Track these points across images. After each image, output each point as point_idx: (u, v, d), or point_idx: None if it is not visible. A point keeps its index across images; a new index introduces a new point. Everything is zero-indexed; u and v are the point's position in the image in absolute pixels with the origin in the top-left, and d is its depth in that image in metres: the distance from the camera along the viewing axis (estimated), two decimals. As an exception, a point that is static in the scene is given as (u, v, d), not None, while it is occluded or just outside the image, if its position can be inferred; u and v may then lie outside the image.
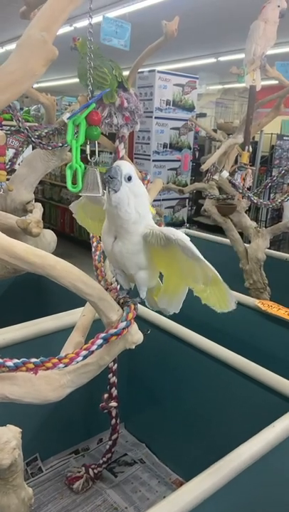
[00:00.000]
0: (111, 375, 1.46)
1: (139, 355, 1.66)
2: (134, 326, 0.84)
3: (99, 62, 1.07)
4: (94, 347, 0.79)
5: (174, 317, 1.51)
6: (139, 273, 0.82)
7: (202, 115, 7.69)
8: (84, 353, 0.79)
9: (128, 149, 4.99)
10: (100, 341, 0.79)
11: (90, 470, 1.55)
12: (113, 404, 1.46)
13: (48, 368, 0.80)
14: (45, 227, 1.72)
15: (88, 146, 0.71)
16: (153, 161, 4.62)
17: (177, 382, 1.57)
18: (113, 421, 1.53)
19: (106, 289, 0.86)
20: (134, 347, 0.86)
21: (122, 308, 0.84)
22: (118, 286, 0.91)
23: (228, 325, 1.83)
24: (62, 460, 1.66)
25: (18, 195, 1.80)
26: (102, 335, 0.80)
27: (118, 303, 0.84)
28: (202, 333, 1.45)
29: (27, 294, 2.14)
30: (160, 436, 1.72)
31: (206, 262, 0.73)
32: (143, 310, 1.62)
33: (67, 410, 1.53)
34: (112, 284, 0.92)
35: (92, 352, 0.80)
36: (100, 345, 0.80)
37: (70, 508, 1.45)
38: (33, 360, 0.80)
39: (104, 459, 1.57)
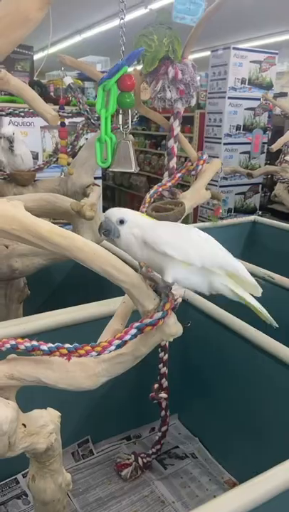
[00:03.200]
0: (161, 365, 1.40)
1: (194, 346, 1.58)
2: (172, 317, 0.77)
3: (152, 29, 0.98)
4: (127, 337, 0.74)
5: (228, 307, 1.41)
6: None
7: (282, 95, 7.17)
8: (117, 342, 0.74)
9: (198, 133, 4.81)
10: (133, 331, 0.74)
11: (140, 459, 1.52)
12: (163, 395, 1.41)
13: (80, 355, 0.77)
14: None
15: (120, 116, 0.64)
16: (224, 144, 4.40)
17: (233, 377, 1.47)
18: (163, 412, 1.48)
19: (146, 277, 0.80)
20: (172, 340, 0.78)
21: (160, 297, 0.77)
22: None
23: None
24: (113, 445, 1.66)
25: (78, 178, 1.80)
26: (136, 324, 0.74)
27: (155, 291, 0.77)
28: (260, 328, 1.33)
29: (88, 277, 2.14)
30: (214, 432, 1.64)
31: None
32: (195, 298, 1.53)
33: (120, 396, 1.51)
34: (153, 271, 0.85)
35: (126, 342, 0.74)
36: (134, 335, 0.74)
37: (117, 495, 1.44)
38: (67, 345, 0.77)
39: (154, 450, 1.53)
